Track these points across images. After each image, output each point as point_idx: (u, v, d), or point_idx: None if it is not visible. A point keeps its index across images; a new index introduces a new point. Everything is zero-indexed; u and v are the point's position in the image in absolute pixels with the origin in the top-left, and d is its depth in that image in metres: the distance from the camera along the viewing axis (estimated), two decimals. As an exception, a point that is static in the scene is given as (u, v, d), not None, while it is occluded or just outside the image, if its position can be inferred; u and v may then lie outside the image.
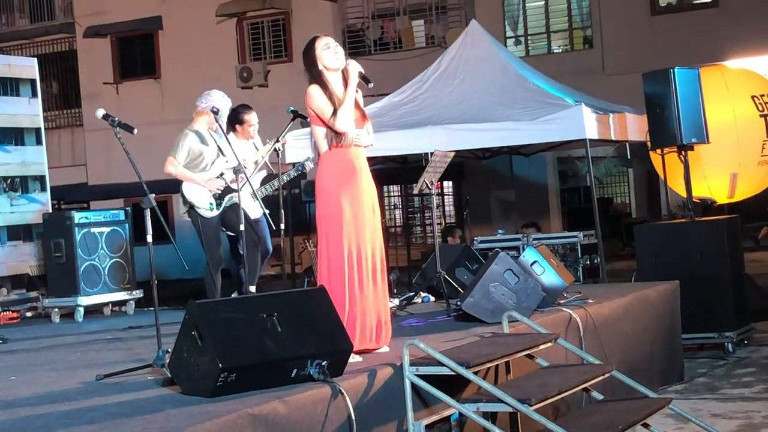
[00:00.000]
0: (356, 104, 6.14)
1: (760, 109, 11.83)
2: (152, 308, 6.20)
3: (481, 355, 5.66)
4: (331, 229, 5.96)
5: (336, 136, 6.02)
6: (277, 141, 8.85)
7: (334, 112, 5.96)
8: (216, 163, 8.75)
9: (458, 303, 7.39)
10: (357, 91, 6.16)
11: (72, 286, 10.20)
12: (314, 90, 6.02)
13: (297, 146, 11.20)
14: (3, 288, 10.99)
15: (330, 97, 6.01)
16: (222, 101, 8.72)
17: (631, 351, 7.88)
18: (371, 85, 6.21)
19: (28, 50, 27.21)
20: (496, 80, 12.67)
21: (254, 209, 8.90)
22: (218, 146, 8.78)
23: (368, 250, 6.02)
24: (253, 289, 8.65)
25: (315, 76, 6.07)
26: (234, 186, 8.43)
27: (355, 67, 6.09)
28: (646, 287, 8.72)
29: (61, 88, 28.18)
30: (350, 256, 5.94)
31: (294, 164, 9.27)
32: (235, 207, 8.24)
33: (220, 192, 8.69)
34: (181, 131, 8.80)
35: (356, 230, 5.98)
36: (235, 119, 9.08)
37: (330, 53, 6.08)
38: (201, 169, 8.72)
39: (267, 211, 8.86)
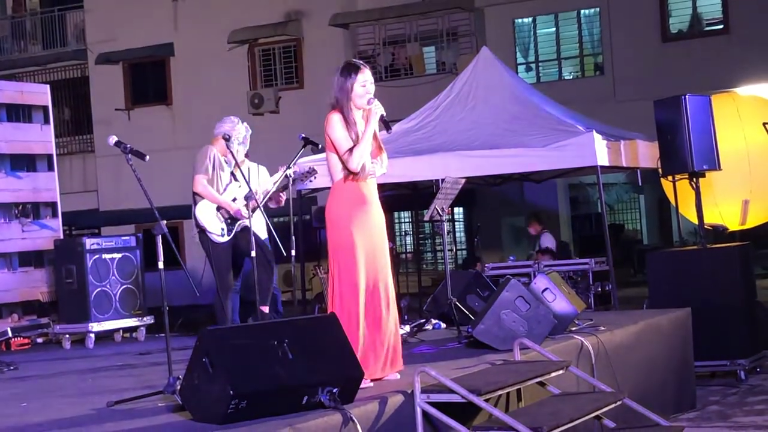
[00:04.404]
0: (374, 135, 6.09)
1: (772, 136, 11.79)
2: (163, 334, 6.20)
3: (493, 382, 5.64)
4: (344, 260, 5.94)
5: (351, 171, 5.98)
6: (288, 168, 8.88)
7: (350, 150, 5.92)
8: (229, 188, 8.78)
9: (469, 330, 7.37)
10: None
11: (83, 312, 10.21)
12: (336, 119, 5.96)
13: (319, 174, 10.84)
14: (14, 314, 11.00)
15: (349, 131, 5.95)
16: (233, 127, 8.80)
17: (643, 378, 7.84)
18: (390, 132, 6.19)
19: (41, 76, 27.37)
20: (507, 107, 12.68)
21: (262, 233, 9.03)
22: (232, 172, 8.83)
23: (381, 279, 6.02)
24: (265, 309, 8.66)
25: (341, 105, 5.99)
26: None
27: (378, 109, 5.99)
28: (658, 314, 8.69)
29: (73, 114, 28.29)
30: (366, 287, 5.94)
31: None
32: (245, 232, 8.26)
33: (233, 218, 8.71)
34: (201, 148, 8.85)
35: (369, 261, 5.97)
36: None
37: (363, 93, 5.97)
38: (215, 190, 8.77)
39: (275, 239, 8.94)
